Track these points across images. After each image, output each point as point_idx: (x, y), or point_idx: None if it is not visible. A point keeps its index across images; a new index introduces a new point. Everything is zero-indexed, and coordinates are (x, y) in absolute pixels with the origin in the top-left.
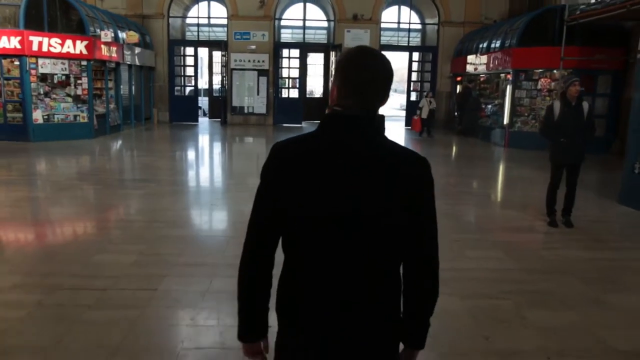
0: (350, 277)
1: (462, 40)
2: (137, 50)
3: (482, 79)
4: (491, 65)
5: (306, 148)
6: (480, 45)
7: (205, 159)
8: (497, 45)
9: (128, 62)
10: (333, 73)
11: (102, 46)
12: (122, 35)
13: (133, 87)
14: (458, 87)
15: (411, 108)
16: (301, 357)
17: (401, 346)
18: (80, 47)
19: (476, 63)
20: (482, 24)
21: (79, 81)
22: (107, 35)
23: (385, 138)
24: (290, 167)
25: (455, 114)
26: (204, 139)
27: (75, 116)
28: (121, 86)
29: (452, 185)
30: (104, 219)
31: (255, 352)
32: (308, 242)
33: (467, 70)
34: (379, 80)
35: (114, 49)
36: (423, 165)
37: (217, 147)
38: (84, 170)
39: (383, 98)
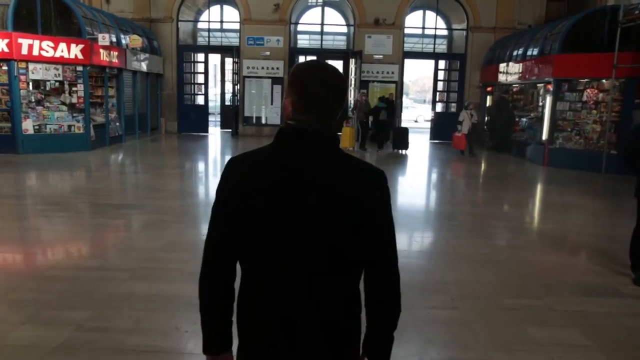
0: (298, 291)
1: (492, 47)
2: (143, 55)
3: (514, 90)
4: (527, 74)
5: (261, 163)
6: (515, 53)
7: (208, 177)
8: (535, 52)
9: (132, 69)
10: (287, 87)
11: (101, 50)
12: (125, 39)
13: (138, 95)
14: (488, 98)
15: (442, 121)
16: None
17: None
18: (75, 51)
19: (509, 72)
20: (514, 29)
21: (74, 88)
22: (105, 38)
23: (341, 152)
24: (244, 183)
25: (485, 127)
26: (210, 153)
27: (69, 126)
28: (124, 94)
29: (490, 216)
30: (49, 265)
31: None
32: (259, 256)
33: (498, 80)
34: (333, 95)
35: (115, 53)
36: (379, 178)
37: (223, 163)
38: (61, 191)
39: (336, 113)
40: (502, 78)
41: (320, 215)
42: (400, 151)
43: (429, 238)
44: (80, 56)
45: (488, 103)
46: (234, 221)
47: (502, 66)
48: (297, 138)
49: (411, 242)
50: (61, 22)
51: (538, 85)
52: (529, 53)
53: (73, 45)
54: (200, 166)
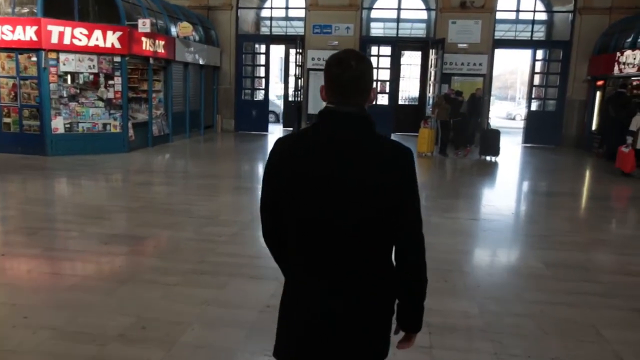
0: (340, 265)
1: (607, 32)
2: (197, 46)
3: (634, 83)
4: None
5: (302, 139)
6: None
7: (254, 192)
8: None
9: (183, 60)
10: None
11: (143, 39)
12: (175, 27)
13: (189, 90)
14: (598, 94)
15: (537, 121)
16: (296, 335)
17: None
18: (112, 39)
19: (630, 62)
20: (638, 9)
21: (110, 82)
22: (145, 24)
23: (372, 130)
24: (288, 161)
25: (593, 129)
26: (263, 157)
27: (105, 125)
28: (172, 89)
29: None
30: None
31: None
32: (301, 230)
33: (613, 72)
34: (360, 80)
35: (161, 43)
36: (408, 155)
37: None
38: (61, 209)
39: (366, 95)
40: (617, 69)
41: (358, 191)
42: (489, 158)
43: None
44: (117, 45)
45: (597, 100)
46: (279, 190)
47: (624, 54)
48: (332, 117)
49: None
50: (97, 7)
51: None
52: None
53: (109, 33)
54: (253, 172)
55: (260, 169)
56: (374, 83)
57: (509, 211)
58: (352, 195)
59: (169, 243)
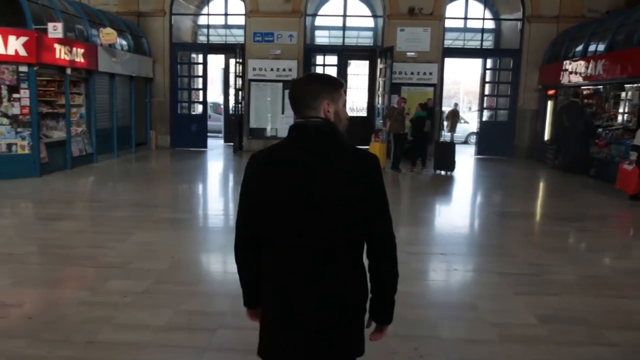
0: (313, 256)
1: (556, 41)
2: (126, 55)
3: (583, 93)
4: (608, 73)
5: (276, 152)
6: (590, 46)
7: (185, 225)
8: (621, 43)
9: (108, 71)
10: None
11: (56, 46)
12: (98, 34)
13: (116, 104)
14: (549, 103)
15: (490, 132)
16: (276, 333)
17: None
18: (15, 45)
19: (580, 71)
20: (584, 18)
21: (16, 95)
22: (56, 28)
23: (341, 140)
24: (263, 166)
25: (546, 139)
26: (201, 178)
27: (10, 145)
28: (95, 102)
29: None
30: None
31: (256, 316)
32: (277, 226)
33: (564, 81)
34: (306, 96)
35: (80, 51)
36: (374, 161)
37: (215, 199)
38: None
39: (325, 110)
40: (568, 78)
41: (328, 188)
42: (444, 173)
43: None
44: (22, 52)
45: (549, 110)
46: (257, 204)
47: (574, 63)
48: (301, 131)
49: None
50: (7, 9)
51: (626, 86)
52: (612, 45)
53: (12, 38)
54: (187, 197)
55: (198, 192)
56: (330, 96)
57: (480, 241)
58: (325, 206)
59: (49, 312)
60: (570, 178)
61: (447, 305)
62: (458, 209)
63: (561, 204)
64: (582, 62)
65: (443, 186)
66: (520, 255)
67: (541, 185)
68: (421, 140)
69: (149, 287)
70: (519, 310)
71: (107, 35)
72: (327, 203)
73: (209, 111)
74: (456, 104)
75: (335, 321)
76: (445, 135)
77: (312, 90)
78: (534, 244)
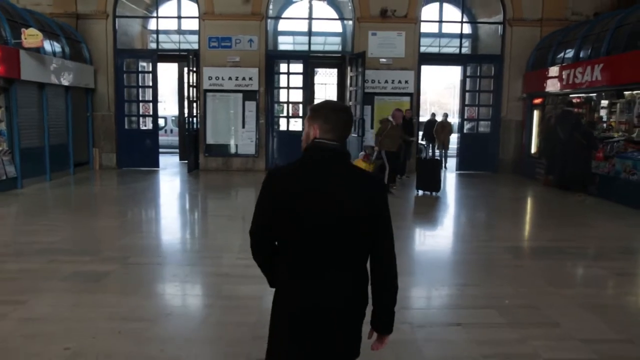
0: (326, 267)
1: (541, 46)
2: (59, 62)
3: (573, 100)
4: (598, 78)
5: (295, 170)
6: (582, 50)
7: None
8: (609, 48)
9: (35, 79)
10: (310, 116)
11: None
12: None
13: (47, 119)
14: (535, 113)
15: (471, 145)
16: (286, 337)
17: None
18: None
19: (572, 78)
20: (568, 21)
21: None
22: None
23: (351, 164)
24: (282, 185)
25: (533, 152)
26: (144, 206)
27: None
28: (18, 117)
29: None
30: None
31: None
32: (293, 245)
33: (549, 89)
34: (350, 122)
35: None
36: (380, 184)
37: (157, 238)
38: None
39: (346, 133)
40: (557, 85)
41: (343, 208)
42: (429, 193)
43: None
44: None
45: (535, 120)
46: (274, 216)
47: (565, 69)
48: (324, 150)
49: None
50: None
51: (625, 93)
52: (602, 50)
53: None
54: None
55: (137, 228)
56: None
57: (498, 301)
58: (343, 222)
59: None
60: (568, 196)
61: None
62: (460, 249)
63: (578, 233)
64: (574, 68)
65: (431, 212)
66: (564, 325)
67: (542, 207)
68: (396, 154)
69: None
70: None
71: (31, 37)
72: (345, 220)
73: (171, 125)
74: (446, 114)
75: (340, 321)
76: (436, 153)
77: (349, 116)
78: (573, 300)
